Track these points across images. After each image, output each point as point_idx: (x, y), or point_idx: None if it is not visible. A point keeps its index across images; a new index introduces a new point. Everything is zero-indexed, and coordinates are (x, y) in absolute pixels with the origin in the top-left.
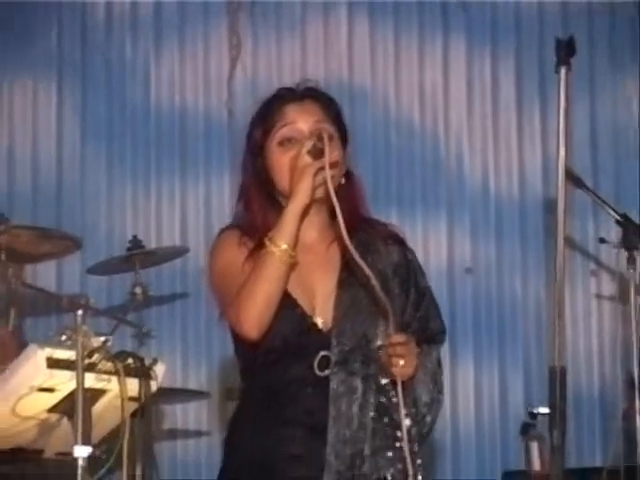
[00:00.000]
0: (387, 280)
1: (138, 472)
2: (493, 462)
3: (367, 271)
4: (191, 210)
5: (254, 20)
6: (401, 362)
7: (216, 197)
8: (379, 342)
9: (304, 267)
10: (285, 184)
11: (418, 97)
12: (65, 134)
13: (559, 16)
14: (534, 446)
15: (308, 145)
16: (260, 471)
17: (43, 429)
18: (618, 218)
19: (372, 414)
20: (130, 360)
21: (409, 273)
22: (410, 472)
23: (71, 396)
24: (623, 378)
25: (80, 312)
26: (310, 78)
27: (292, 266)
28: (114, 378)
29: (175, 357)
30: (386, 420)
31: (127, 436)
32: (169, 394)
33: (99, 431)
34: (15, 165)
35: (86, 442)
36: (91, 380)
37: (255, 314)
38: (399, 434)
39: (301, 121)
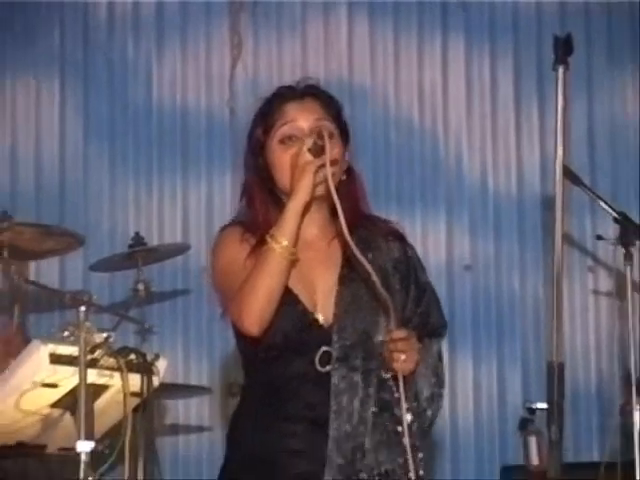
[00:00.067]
0: (388, 276)
1: (140, 467)
2: (491, 457)
3: (368, 267)
4: (193, 208)
5: (255, 20)
6: (402, 357)
7: (218, 195)
8: (380, 338)
9: (305, 263)
10: (286, 182)
11: (417, 96)
12: (67, 133)
13: (557, 16)
14: (532, 441)
15: (309, 143)
16: (262, 466)
17: (46, 424)
18: (615, 215)
19: (373, 409)
20: (132, 356)
21: (409, 269)
22: (411, 467)
23: (74, 391)
24: (620, 374)
25: (83, 308)
26: (310, 76)
27: (293, 262)
28: (116, 374)
29: (177, 353)
30: (387, 415)
31: (129, 431)
32: (171, 390)
33: (101, 426)
34: (18, 164)
35: (89, 437)
36: (94, 376)
37: (257, 309)
38: (400, 429)
39: (301, 119)
